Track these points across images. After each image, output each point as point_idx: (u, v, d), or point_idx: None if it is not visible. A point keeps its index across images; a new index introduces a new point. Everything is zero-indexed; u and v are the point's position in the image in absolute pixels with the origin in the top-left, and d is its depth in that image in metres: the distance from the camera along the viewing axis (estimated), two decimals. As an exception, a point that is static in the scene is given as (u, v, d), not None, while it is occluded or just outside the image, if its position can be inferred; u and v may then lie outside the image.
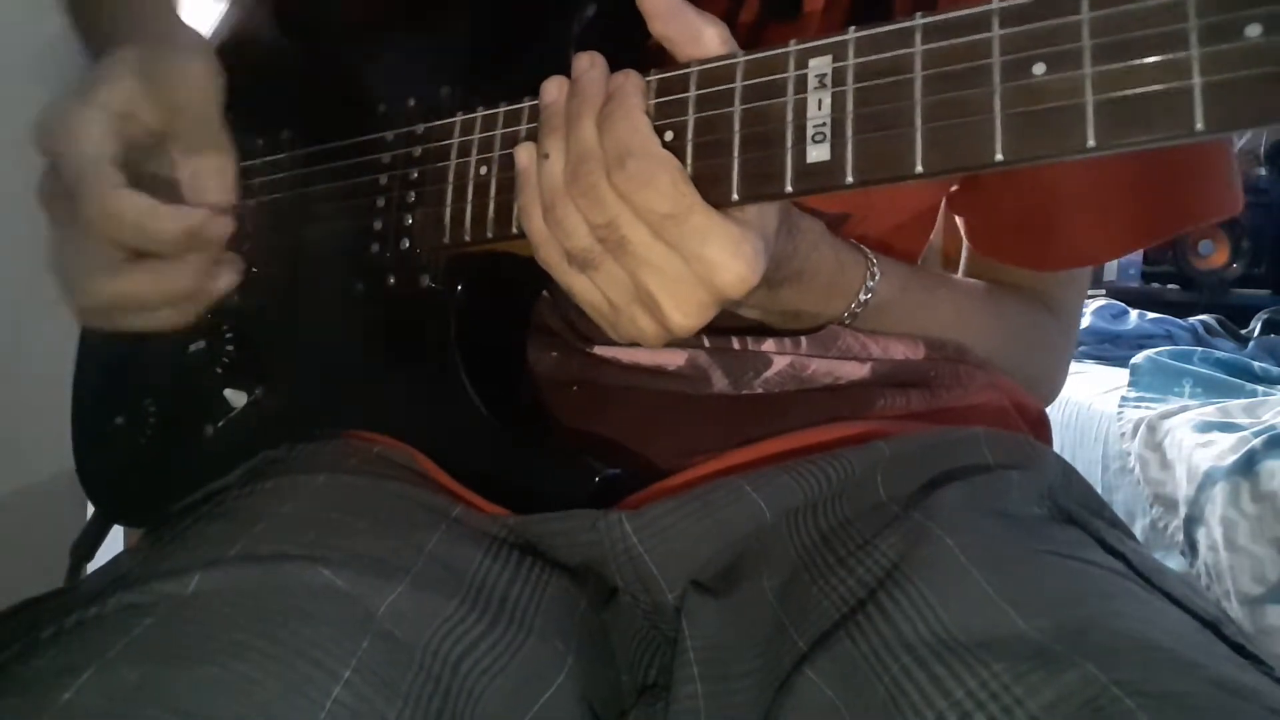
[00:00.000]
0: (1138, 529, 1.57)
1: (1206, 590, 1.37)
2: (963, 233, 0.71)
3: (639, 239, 0.43)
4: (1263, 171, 2.78)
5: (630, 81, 0.44)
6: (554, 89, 0.46)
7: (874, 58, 0.38)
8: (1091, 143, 0.31)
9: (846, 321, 0.59)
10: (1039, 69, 0.33)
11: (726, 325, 0.57)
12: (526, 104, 0.50)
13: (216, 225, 0.51)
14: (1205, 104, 0.29)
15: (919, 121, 0.36)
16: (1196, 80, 0.29)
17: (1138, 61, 0.31)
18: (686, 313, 0.44)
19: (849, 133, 0.38)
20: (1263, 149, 2.77)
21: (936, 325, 0.63)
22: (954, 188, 0.66)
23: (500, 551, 0.49)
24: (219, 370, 0.64)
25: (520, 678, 0.44)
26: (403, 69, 0.61)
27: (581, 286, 0.46)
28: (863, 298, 0.58)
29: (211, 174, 0.53)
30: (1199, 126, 0.29)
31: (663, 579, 0.50)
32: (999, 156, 0.34)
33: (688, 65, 0.44)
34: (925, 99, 0.36)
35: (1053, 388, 0.74)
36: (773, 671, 0.44)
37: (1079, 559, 0.44)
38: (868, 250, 0.59)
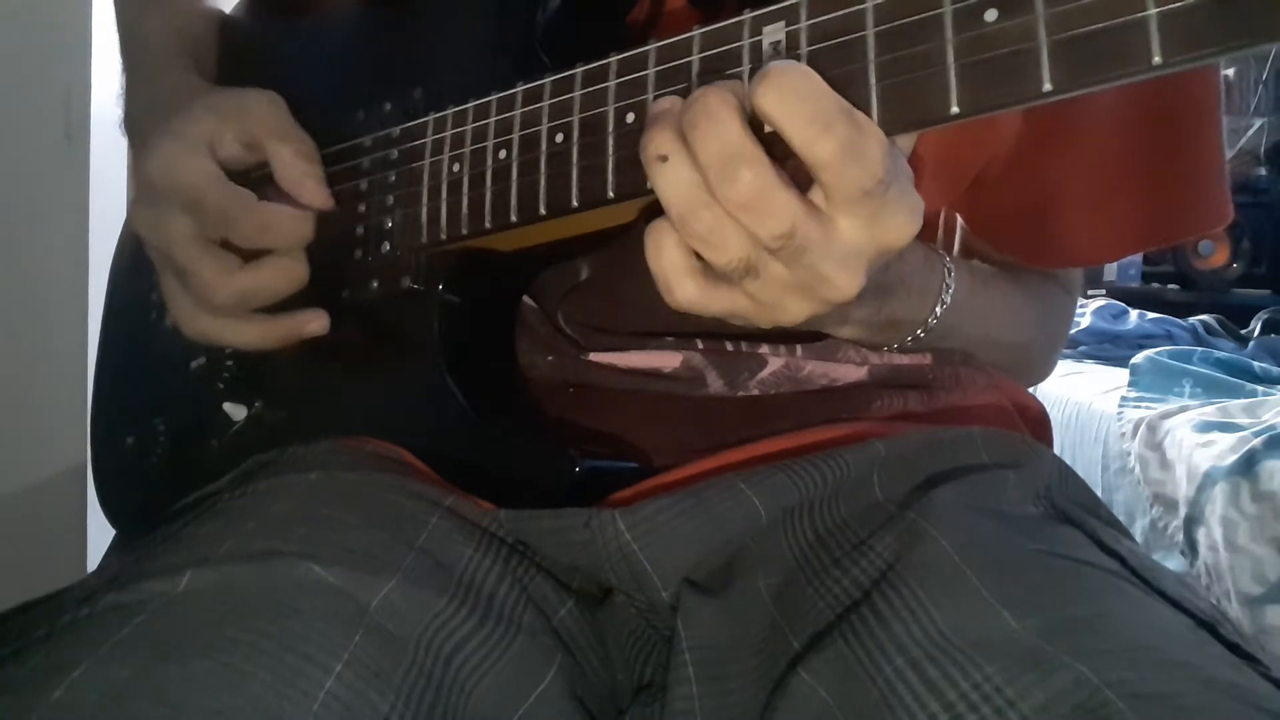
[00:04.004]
0: (1138, 529, 1.56)
1: (1206, 590, 1.37)
2: (962, 223, 0.70)
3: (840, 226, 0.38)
4: (1263, 171, 2.78)
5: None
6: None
7: (826, 18, 0.37)
8: (1048, 87, 0.30)
9: (932, 324, 0.57)
10: (991, 15, 0.32)
11: (723, 330, 0.56)
12: (494, 97, 0.50)
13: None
14: (1162, 36, 0.28)
15: (873, 80, 0.35)
16: (1151, 11, 0.28)
17: (1091, -2, 0.30)
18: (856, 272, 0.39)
19: None
20: (1263, 149, 2.77)
21: (998, 316, 0.62)
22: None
23: (490, 547, 0.49)
24: (220, 385, 0.64)
25: (510, 674, 0.43)
26: (377, 72, 0.61)
27: (727, 299, 0.42)
28: (945, 297, 0.57)
29: (305, 155, 0.57)
30: (1156, 60, 0.28)
31: (656, 576, 0.49)
32: (954, 109, 0.33)
33: (647, 44, 0.43)
34: (878, 57, 0.35)
35: (1056, 361, 0.75)
36: (768, 672, 0.44)
37: (1074, 559, 0.43)
38: (928, 244, 0.57)
